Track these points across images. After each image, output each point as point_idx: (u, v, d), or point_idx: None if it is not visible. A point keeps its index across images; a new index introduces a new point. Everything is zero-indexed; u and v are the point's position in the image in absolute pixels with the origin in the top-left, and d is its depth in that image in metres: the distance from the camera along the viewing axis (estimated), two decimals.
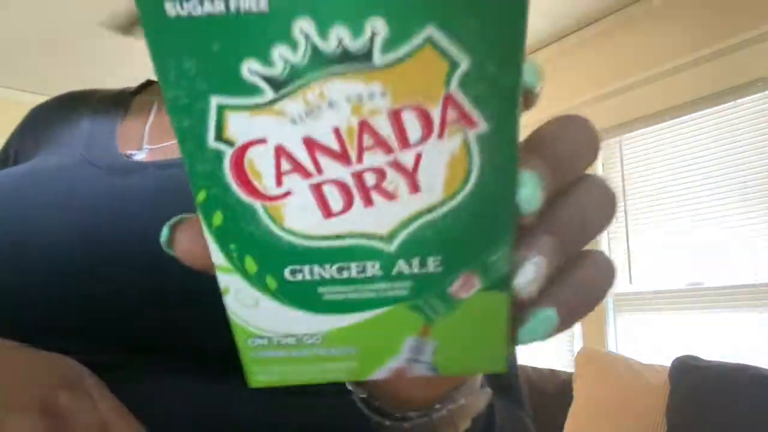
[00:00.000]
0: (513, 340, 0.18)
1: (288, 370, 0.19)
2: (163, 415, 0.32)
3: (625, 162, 2.49)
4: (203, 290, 0.31)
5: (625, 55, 2.50)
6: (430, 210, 0.16)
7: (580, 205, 0.18)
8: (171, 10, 0.13)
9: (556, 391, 2.15)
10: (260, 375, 0.19)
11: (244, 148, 0.15)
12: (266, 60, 0.14)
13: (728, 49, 2.17)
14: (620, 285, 2.47)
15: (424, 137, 0.15)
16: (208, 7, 0.13)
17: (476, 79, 0.15)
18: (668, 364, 1.86)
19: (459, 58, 0.14)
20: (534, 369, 2.31)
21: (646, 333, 2.36)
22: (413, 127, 0.15)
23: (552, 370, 2.28)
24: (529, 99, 0.17)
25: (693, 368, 1.78)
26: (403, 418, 0.26)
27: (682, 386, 1.77)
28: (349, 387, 0.28)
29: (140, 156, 0.45)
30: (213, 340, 0.32)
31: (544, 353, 2.73)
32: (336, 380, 0.20)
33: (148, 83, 0.57)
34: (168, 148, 0.46)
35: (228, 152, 0.15)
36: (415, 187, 0.16)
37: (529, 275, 0.17)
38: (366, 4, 0.13)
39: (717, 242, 2.17)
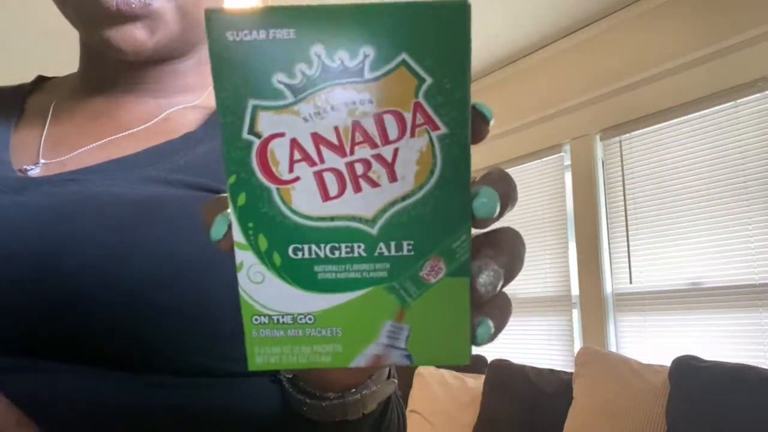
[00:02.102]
0: (473, 338, 0.23)
1: (283, 351, 0.22)
2: (53, 411, 0.34)
3: (625, 162, 2.49)
4: (88, 303, 0.34)
5: (626, 55, 2.50)
6: (404, 198, 0.21)
7: (516, 245, 0.24)
8: (230, 36, 0.20)
9: (556, 391, 2.15)
10: (259, 357, 0.22)
11: (268, 140, 0.20)
12: (290, 73, 0.20)
13: (728, 49, 2.17)
14: (620, 285, 2.48)
15: (400, 136, 0.20)
16: (254, 35, 0.20)
17: (437, 93, 0.20)
18: (668, 364, 1.87)
19: (424, 77, 0.20)
20: (534, 369, 2.31)
21: (646, 333, 2.36)
22: (392, 128, 0.20)
23: (552, 370, 2.28)
24: (483, 131, 0.22)
25: (693, 368, 1.78)
26: (322, 398, 0.30)
27: (682, 386, 1.77)
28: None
29: (35, 171, 0.43)
30: (101, 342, 0.34)
31: (544, 353, 2.73)
32: (323, 366, 0.22)
33: (42, 79, 0.54)
34: (64, 162, 0.44)
35: (256, 143, 0.21)
36: (393, 177, 0.21)
37: (488, 277, 0.22)
38: (360, 35, 0.20)
39: (717, 242, 2.17)
